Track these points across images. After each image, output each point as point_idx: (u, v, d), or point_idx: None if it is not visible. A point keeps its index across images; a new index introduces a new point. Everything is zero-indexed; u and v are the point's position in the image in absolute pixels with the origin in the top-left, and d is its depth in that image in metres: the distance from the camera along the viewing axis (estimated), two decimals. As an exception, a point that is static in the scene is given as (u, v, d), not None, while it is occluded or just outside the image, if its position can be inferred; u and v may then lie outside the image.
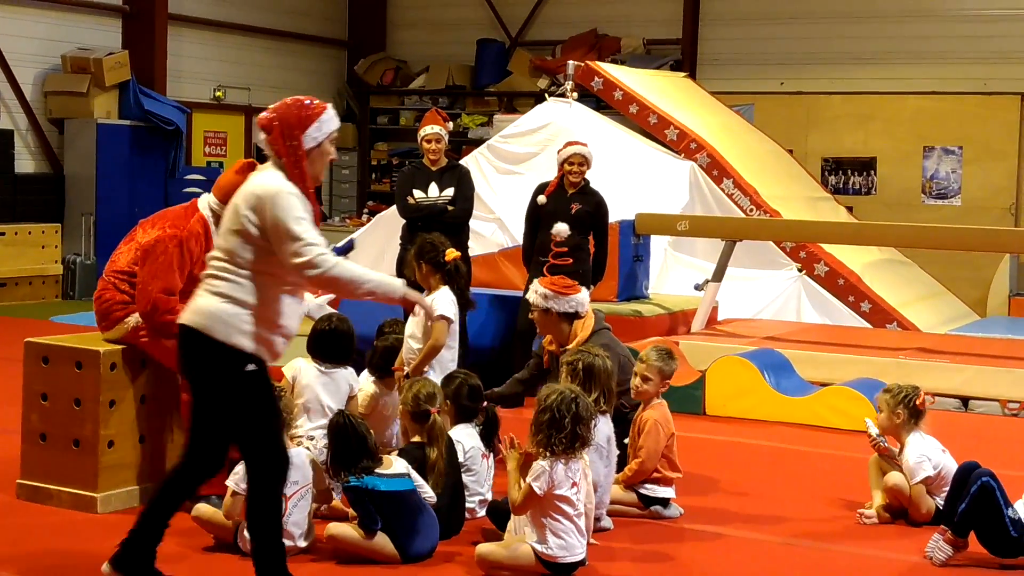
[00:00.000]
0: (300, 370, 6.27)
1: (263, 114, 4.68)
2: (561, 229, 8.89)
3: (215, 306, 4.57)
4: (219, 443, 4.78)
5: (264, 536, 4.67)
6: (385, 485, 5.26)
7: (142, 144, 15.31)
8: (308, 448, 5.77)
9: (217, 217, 6.04)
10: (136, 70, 15.35)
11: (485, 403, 6.11)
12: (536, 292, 6.51)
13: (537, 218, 9.11)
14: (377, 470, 5.29)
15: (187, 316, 4.65)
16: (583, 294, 6.56)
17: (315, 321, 6.40)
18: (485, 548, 5.23)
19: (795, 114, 16.50)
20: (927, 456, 6.09)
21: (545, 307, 6.45)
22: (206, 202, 6.07)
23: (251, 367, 4.58)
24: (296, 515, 5.34)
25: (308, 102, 4.65)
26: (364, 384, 6.63)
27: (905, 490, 6.09)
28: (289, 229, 4.51)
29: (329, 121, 4.70)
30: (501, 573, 5.16)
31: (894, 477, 6.15)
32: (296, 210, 4.54)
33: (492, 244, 11.84)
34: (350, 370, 6.38)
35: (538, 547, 5.14)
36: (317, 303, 6.65)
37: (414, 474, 5.40)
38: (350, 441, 5.32)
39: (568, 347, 6.34)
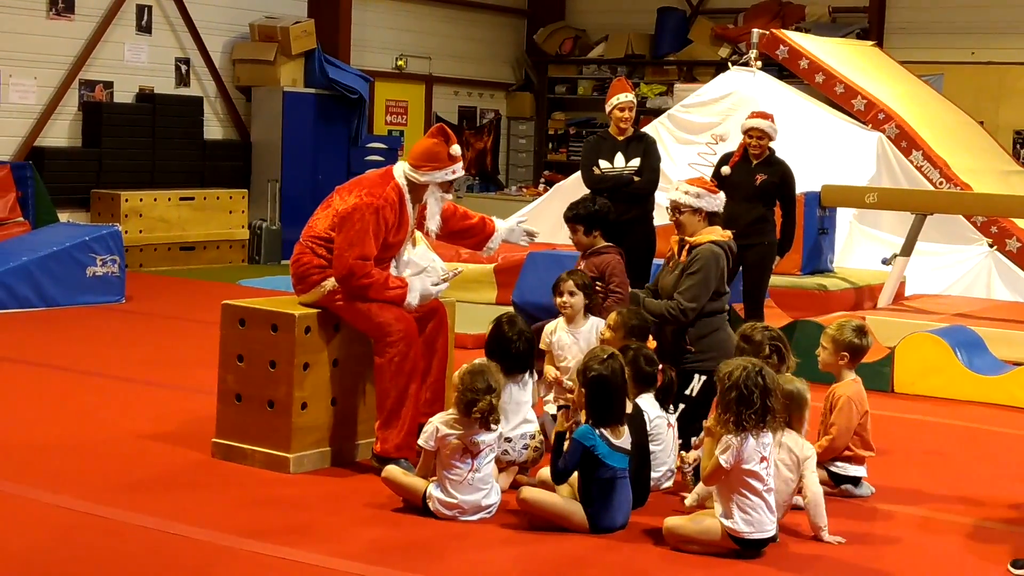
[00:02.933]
0: None
1: None
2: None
3: None
4: None
5: None
6: (608, 457, 5.26)
7: (326, 112, 15.55)
8: (507, 451, 5.81)
9: (412, 184, 6.11)
10: (321, 39, 15.57)
11: (661, 366, 6.05)
12: (687, 192, 6.44)
13: (720, 189, 8.97)
14: (610, 436, 5.29)
15: None
16: (722, 195, 6.58)
17: (500, 332, 5.99)
18: (673, 521, 5.18)
19: (986, 85, 15.91)
20: None
21: (698, 206, 6.42)
22: (401, 170, 6.12)
23: None
24: (484, 470, 5.41)
25: None
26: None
27: None
28: None
29: None
30: (689, 547, 5.10)
31: None
32: None
33: (672, 215, 11.73)
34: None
35: (725, 522, 5.07)
36: (507, 227, 6.71)
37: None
38: (605, 393, 5.31)
39: (694, 239, 6.40)
